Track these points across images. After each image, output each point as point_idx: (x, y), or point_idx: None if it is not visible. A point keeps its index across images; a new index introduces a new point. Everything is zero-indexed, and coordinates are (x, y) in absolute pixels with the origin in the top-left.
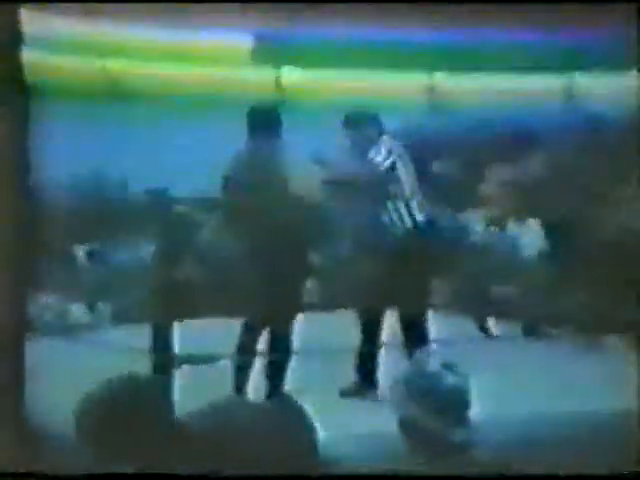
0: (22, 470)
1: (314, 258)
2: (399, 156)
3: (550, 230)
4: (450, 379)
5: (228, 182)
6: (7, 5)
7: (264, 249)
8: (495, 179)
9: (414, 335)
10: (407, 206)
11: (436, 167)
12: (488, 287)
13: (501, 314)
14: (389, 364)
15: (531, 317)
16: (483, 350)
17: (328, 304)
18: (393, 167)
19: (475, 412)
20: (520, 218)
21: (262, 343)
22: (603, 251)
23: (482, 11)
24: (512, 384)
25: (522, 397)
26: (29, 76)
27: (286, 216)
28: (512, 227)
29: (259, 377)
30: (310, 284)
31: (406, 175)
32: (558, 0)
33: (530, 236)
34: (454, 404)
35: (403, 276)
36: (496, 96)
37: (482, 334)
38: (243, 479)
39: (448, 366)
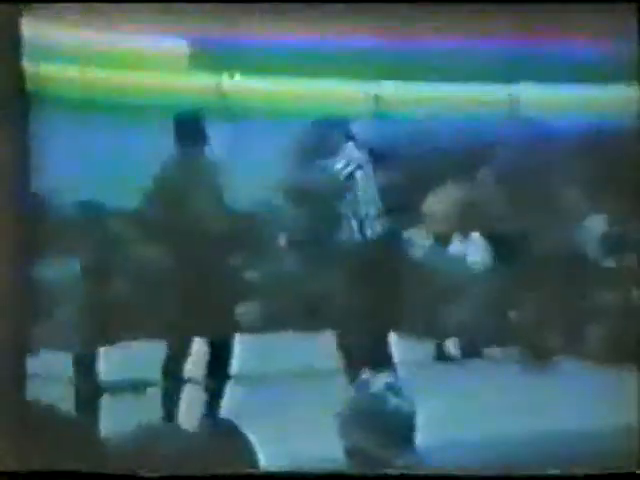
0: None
1: (252, 274)
2: (359, 166)
3: (497, 245)
4: (394, 402)
5: (154, 193)
6: (8, 10)
7: (193, 264)
8: (442, 193)
9: (365, 357)
10: (361, 219)
11: (381, 179)
12: (437, 306)
13: (450, 334)
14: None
15: (472, 337)
16: (433, 373)
17: (269, 325)
18: (351, 177)
19: (423, 436)
20: (466, 233)
21: (194, 366)
22: (550, 267)
23: (442, 17)
24: (462, 407)
25: (472, 420)
26: (29, 83)
27: (217, 228)
28: (458, 243)
29: (194, 402)
30: (249, 303)
31: (364, 187)
32: (557, 0)
33: (477, 252)
34: (398, 428)
35: (354, 293)
36: (444, 106)
37: (440, 359)
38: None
39: (393, 389)
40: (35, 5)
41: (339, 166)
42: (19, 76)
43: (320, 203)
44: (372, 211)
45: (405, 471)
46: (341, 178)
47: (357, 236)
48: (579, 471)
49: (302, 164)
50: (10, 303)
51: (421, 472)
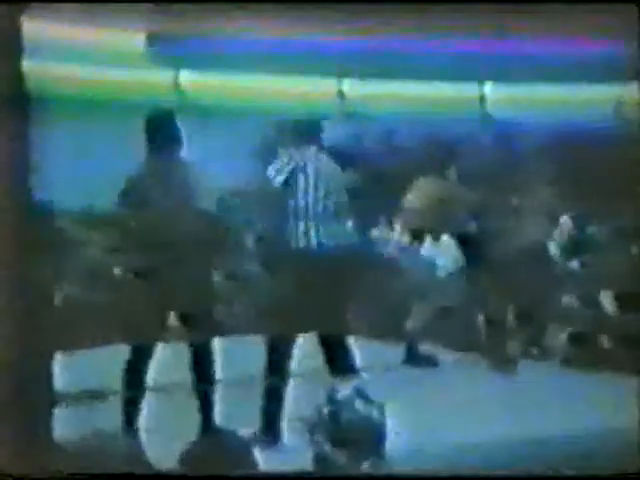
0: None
1: (218, 276)
2: (300, 170)
3: (465, 246)
4: (363, 408)
5: (127, 197)
6: (8, 10)
7: (163, 266)
8: (410, 192)
9: (333, 362)
10: (306, 224)
11: (348, 178)
12: (404, 309)
13: (419, 338)
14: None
15: (442, 341)
16: (402, 377)
17: (232, 329)
18: (287, 182)
19: (392, 443)
20: (436, 235)
21: (159, 373)
22: (518, 268)
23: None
24: (432, 411)
25: (443, 424)
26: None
27: (188, 231)
28: (427, 243)
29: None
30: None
31: (312, 191)
32: (557, 0)
33: (445, 252)
34: (367, 433)
35: (303, 299)
36: (413, 105)
37: (409, 362)
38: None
39: (361, 395)
40: (35, 5)
41: (272, 173)
42: (19, 76)
43: (267, 208)
44: (321, 213)
45: (375, 474)
46: (276, 185)
47: (303, 241)
48: (550, 473)
49: (255, 166)
50: (8, 304)
51: (392, 475)
